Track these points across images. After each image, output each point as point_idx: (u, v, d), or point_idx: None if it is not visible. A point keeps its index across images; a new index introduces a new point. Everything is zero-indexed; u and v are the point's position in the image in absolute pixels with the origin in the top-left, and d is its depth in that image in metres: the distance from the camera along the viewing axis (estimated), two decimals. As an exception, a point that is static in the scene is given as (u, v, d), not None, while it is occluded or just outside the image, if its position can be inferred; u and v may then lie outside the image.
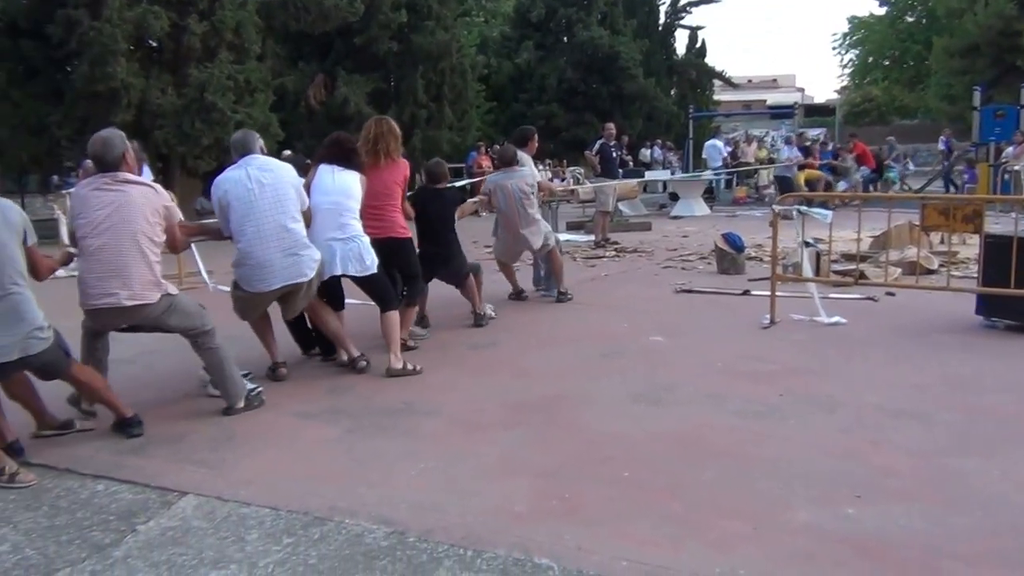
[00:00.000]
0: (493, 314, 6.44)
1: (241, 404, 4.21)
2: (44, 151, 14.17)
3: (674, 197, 17.22)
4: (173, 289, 4.03)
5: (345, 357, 5.07)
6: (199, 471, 3.47)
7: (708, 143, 19.47)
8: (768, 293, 6.20)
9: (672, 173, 19.49)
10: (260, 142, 4.72)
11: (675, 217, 15.61)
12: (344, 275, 4.90)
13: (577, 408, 4.23)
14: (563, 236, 12.66)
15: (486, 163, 17.91)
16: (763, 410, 4.10)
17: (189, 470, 3.48)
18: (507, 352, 5.52)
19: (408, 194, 5.68)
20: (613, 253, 10.49)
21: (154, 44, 14.82)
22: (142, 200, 3.90)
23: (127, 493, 3.28)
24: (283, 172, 4.59)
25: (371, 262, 4.93)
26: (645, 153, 23.96)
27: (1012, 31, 24.67)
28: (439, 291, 6.38)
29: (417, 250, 5.68)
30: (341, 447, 3.74)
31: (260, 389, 4.40)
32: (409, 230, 5.43)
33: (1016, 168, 14.55)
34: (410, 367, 4.88)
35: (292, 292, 4.60)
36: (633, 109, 28.38)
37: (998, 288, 5.57)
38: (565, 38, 28.75)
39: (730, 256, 8.53)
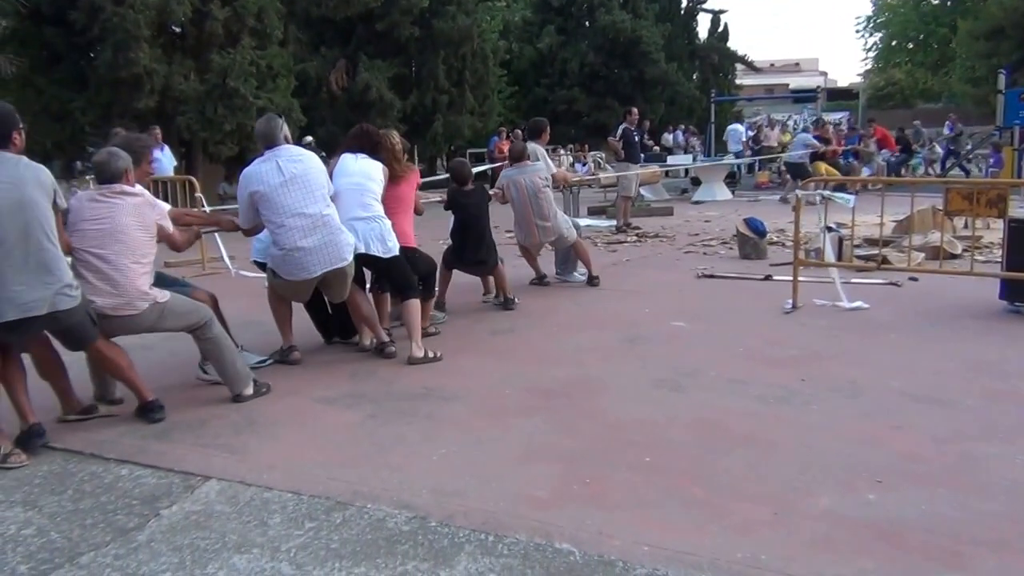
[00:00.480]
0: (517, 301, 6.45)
1: (249, 390, 4.22)
2: (67, 137, 14.29)
3: (696, 182, 17.11)
4: (163, 295, 3.99)
5: (368, 341, 5.14)
6: (222, 456, 3.51)
7: (730, 127, 19.25)
8: (790, 278, 6.15)
9: (694, 158, 19.34)
10: (285, 128, 4.73)
11: (697, 202, 15.52)
12: (367, 254, 4.90)
13: (598, 393, 4.23)
14: (584, 221, 12.62)
15: (508, 148, 17.86)
16: (784, 395, 4.08)
17: (212, 455, 3.53)
18: (528, 337, 5.53)
19: (439, 200, 5.95)
20: (635, 238, 10.45)
21: (177, 30, 14.88)
22: (134, 213, 3.91)
23: (151, 478, 3.33)
24: (312, 160, 4.66)
25: (393, 244, 4.97)
26: (667, 138, 23.81)
27: (1039, 12, 24.19)
28: (458, 278, 6.39)
29: (451, 245, 6.00)
30: (363, 432, 3.77)
31: (265, 386, 4.37)
32: (414, 239, 5.45)
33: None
34: (431, 354, 4.90)
35: (334, 276, 4.68)
36: (655, 94, 28.15)
37: (1022, 273, 5.49)
38: (587, 22, 28.52)
39: (752, 241, 8.47)
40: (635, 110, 12.31)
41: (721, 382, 4.34)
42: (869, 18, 51.44)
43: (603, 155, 19.52)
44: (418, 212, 5.64)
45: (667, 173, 16.72)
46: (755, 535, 2.69)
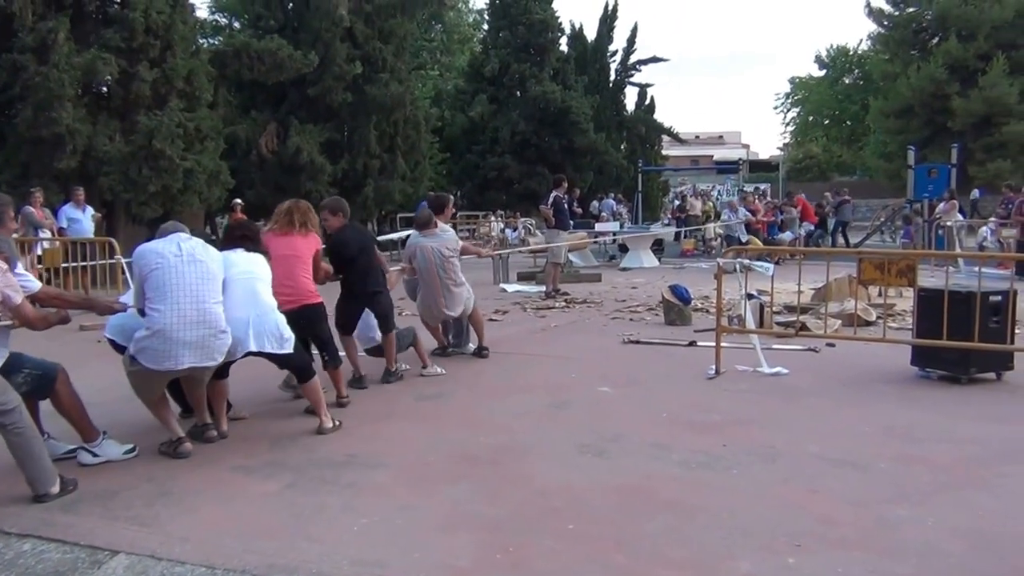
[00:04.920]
0: (442, 370, 6.37)
1: (55, 489, 3.71)
2: (-18, 196, 13.78)
3: (623, 249, 17.49)
4: None
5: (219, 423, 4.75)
6: (132, 528, 3.35)
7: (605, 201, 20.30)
8: (713, 344, 6.30)
9: (621, 225, 19.81)
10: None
11: (624, 269, 15.82)
12: (260, 353, 4.58)
13: (524, 459, 4.21)
14: (513, 287, 12.78)
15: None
16: (707, 460, 4.14)
17: (121, 527, 3.36)
18: (455, 403, 5.49)
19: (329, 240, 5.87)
20: (563, 304, 10.56)
21: (103, 90, 14.68)
22: None
23: (55, 553, 3.15)
24: (212, 252, 4.46)
25: (288, 336, 4.65)
26: (595, 205, 24.39)
27: (943, 94, 25.99)
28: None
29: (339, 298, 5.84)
30: (282, 502, 3.66)
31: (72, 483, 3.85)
32: (319, 295, 5.26)
33: (948, 224, 15.14)
34: (337, 423, 4.81)
35: (201, 372, 4.40)
36: (584, 162, 28.94)
37: (931, 340, 5.75)
38: (518, 92, 29.32)
39: (677, 308, 8.66)
40: (565, 178, 12.58)
41: (645, 447, 4.37)
42: (787, 95, 54.36)
43: (533, 221, 19.83)
44: (320, 281, 5.48)
45: (596, 239, 17.08)
46: (677, 602, 2.68)
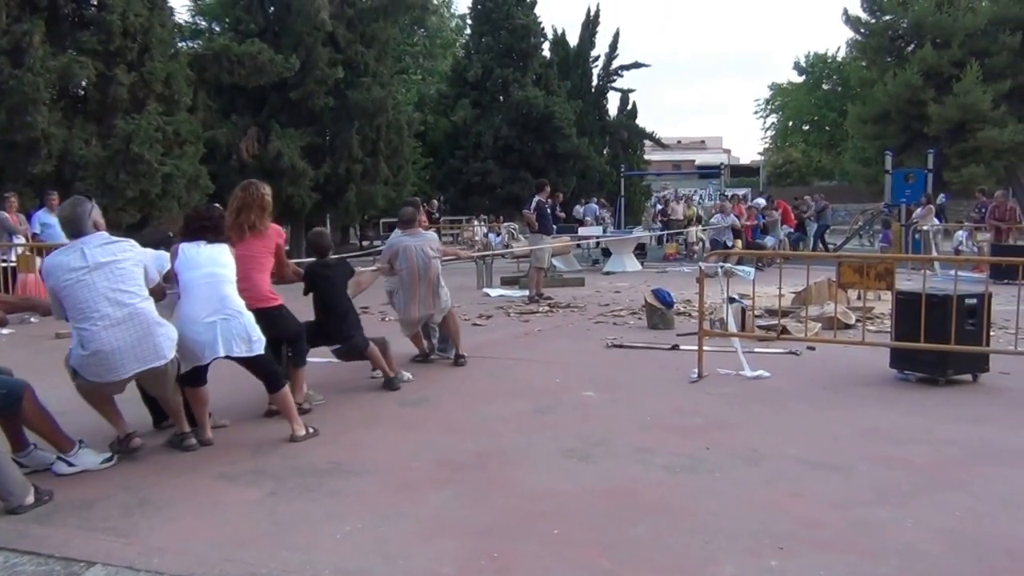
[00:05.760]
0: (411, 376, 6.24)
1: (29, 499, 3.62)
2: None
3: (607, 253, 17.54)
4: None
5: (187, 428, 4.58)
6: (109, 539, 3.30)
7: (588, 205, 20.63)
8: (696, 348, 6.32)
9: (604, 230, 19.88)
10: (95, 214, 4.26)
11: (607, 273, 15.86)
12: (228, 357, 4.47)
13: (508, 465, 4.20)
14: (497, 291, 12.77)
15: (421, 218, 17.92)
16: (690, 464, 4.15)
17: (98, 538, 3.31)
18: (439, 409, 5.47)
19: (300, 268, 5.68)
20: (547, 308, 10.57)
21: (80, 93, 14.52)
22: None
23: (29, 565, 3.09)
24: (126, 247, 4.22)
25: (258, 338, 4.55)
26: (578, 210, 24.45)
27: (919, 100, 26.27)
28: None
29: (312, 321, 5.65)
30: (263, 510, 3.62)
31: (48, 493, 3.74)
32: (279, 296, 5.09)
33: (925, 228, 15.32)
34: (311, 430, 4.71)
35: (150, 375, 4.24)
36: (567, 167, 29.02)
37: (909, 342, 5.81)
38: (501, 97, 29.34)
39: (660, 311, 8.69)
40: (547, 183, 12.60)
41: (629, 451, 4.38)
42: (767, 101, 54.77)
43: (517, 226, 19.84)
44: (288, 280, 5.37)
45: (579, 244, 17.12)
46: (661, 607, 2.68)
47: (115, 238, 4.27)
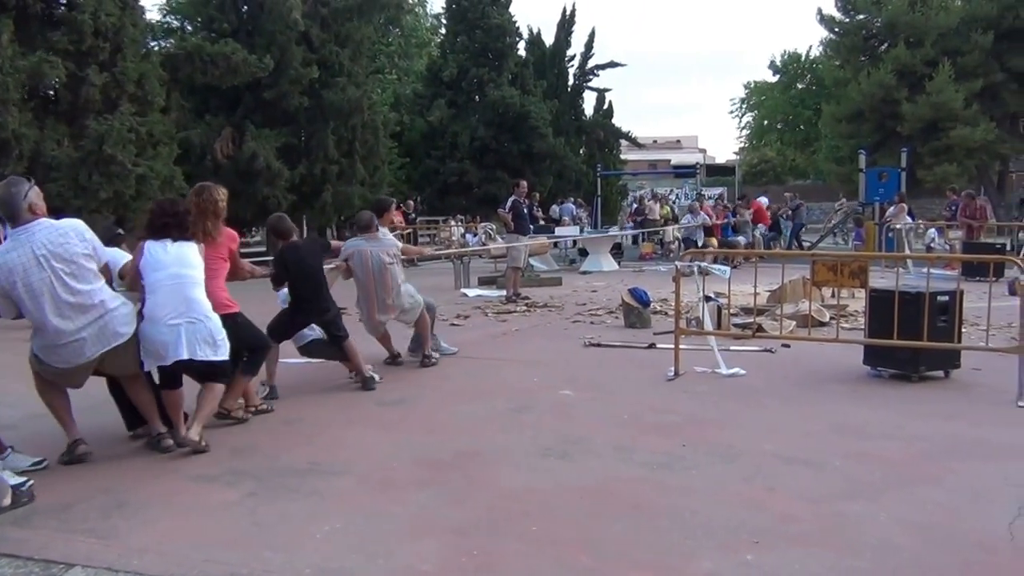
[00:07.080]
0: (379, 377, 6.16)
1: (6, 501, 3.56)
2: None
3: (583, 252, 17.60)
4: None
5: (157, 432, 4.50)
6: (88, 541, 3.28)
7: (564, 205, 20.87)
8: (673, 346, 6.38)
9: (581, 230, 19.96)
10: (32, 196, 4.05)
11: (584, 272, 15.92)
12: (192, 360, 4.36)
13: (488, 463, 4.22)
14: (474, 291, 12.78)
15: (398, 218, 17.91)
16: (667, 461, 4.19)
17: (77, 540, 3.29)
18: (418, 408, 5.48)
19: (272, 259, 5.64)
20: (524, 308, 10.59)
21: (50, 94, 14.33)
22: None
23: (7, 568, 3.07)
24: (72, 233, 4.09)
25: (223, 342, 4.47)
26: (555, 210, 24.51)
27: (892, 99, 26.60)
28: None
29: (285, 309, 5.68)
30: (243, 510, 3.62)
31: (31, 482, 3.73)
32: (236, 304, 5.00)
33: (897, 227, 15.53)
34: (203, 444, 4.42)
35: (112, 353, 4.19)
36: (543, 167, 29.05)
37: (883, 339, 5.90)
38: (477, 97, 29.34)
39: (636, 310, 8.75)
40: (524, 182, 12.64)
41: (607, 449, 4.42)
42: (743, 100, 55.25)
43: (494, 226, 19.86)
44: (242, 277, 5.30)
45: (556, 243, 17.19)
46: (641, 601, 2.72)
47: (60, 225, 4.11)
